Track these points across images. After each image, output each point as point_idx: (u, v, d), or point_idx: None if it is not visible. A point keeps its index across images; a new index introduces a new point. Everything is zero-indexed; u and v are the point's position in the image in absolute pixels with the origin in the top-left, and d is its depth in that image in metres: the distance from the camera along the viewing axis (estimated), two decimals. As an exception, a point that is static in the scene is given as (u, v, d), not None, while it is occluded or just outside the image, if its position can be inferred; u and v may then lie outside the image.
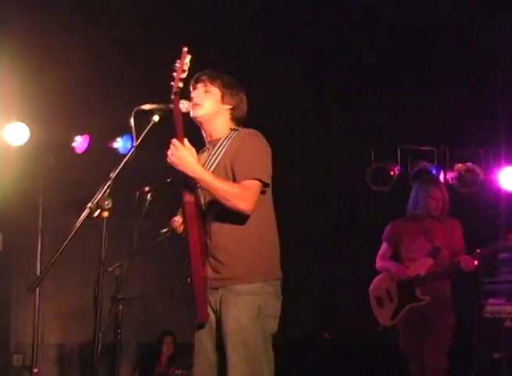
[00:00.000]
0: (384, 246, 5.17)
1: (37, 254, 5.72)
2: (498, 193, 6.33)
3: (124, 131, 5.70)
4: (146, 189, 4.54)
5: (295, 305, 6.00)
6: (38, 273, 5.71)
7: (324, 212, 6.49)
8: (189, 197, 3.07)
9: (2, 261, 5.88)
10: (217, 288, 3.07)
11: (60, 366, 6.32)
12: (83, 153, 5.78)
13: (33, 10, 5.69)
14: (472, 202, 6.13)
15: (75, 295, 5.91)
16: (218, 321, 3.06)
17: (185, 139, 3.00)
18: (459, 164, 6.38)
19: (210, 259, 3.09)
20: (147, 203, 4.51)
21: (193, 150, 3.02)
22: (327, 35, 5.99)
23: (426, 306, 4.80)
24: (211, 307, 3.08)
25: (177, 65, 2.95)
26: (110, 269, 5.06)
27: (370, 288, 5.11)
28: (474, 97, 6.08)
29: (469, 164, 6.35)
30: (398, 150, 6.43)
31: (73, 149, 5.79)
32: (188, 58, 2.95)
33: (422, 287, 4.82)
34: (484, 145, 6.35)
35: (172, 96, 2.97)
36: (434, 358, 4.69)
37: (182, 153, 2.96)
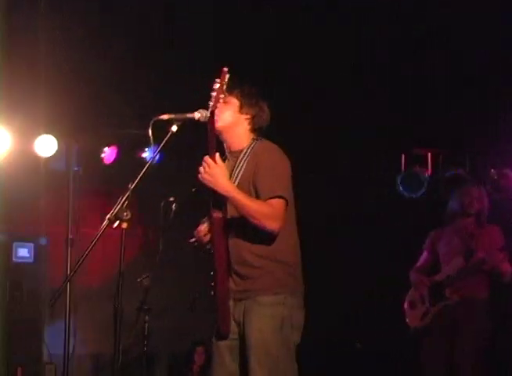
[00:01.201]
0: (423, 256, 5.15)
1: (67, 266, 5.74)
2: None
3: (155, 142, 5.70)
4: (171, 199, 4.56)
5: (323, 314, 6.05)
6: (68, 283, 5.74)
7: (341, 218, 6.42)
8: (217, 213, 3.09)
9: (34, 273, 5.92)
10: (241, 300, 3.06)
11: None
12: (111, 163, 5.80)
13: (61, 23, 5.73)
14: (506, 208, 5.99)
15: (106, 306, 5.92)
16: (241, 333, 3.05)
17: (218, 156, 3.00)
18: (493, 170, 6.26)
19: (233, 274, 3.10)
20: (172, 213, 4.53)
21: (224, 167, 3.03)
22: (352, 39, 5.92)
23: (455, 307, 4.75)
24: (234, 319, 3.08)
25: (216, 85, 2.96)
26: (139, 280, 5.08)
27: (407, 295, 5.09)
28: (505, 100, 5.95)
29: (503, 169, 6.22)
30: (429, 154, 6.33)
31: (101, 160, 5.81)
32: (227, 77, 2.97)
33: (451, 287, 4.78)
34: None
35: (209, 115, 2.98)
36: (466, 357, 4.62)
37: (214, 171, 2.97)
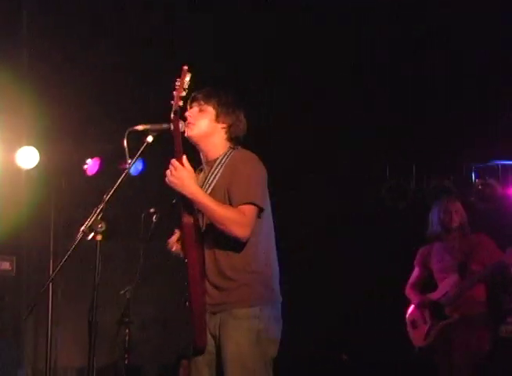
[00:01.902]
0: (415, 271, 5.17)
1: (49, 278, 5.69)
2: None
3: (135, 153, 5.67)
4: (152, 210, 4.53)
5: (310, 326, 6.01)
6: (51, 296, 5.69)
7: (341, 218, 6.40)
8: (187, 219, 3.01)
9: (15, 285, 5.86)
10: (215, 313, 3.00)
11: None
12: (94, 175, 5.76)
13: (40, 37, 5.71)
14: (490, 218, 5.99)
15: (86, 319, 5.86)
16: (217, 346, 2.99)
17: (185, 159, 2.94)
18: (477, 180, 6.26)
19: (208, 284, 3.02)
20: (153, 224, 4.50)
21: (192, 170, 2.98)
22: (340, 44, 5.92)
23: (455, 326, 4.76)
24: (210, 332, 3.01)
25: (177, 83, 2.92)
26: (122, 293, 5.05)
27: (407, 314, 5.09)
28: (490, 112, 5.96)
29: (487, 179, 6.22)
30: (414, 165, 6.33)
31: (84, 172, 5.77)
32: (188, 76, 2.92)
33: (450, 305, 4.80)
34: (502, 159, 6.22)
35: (172, 115, 2.93)
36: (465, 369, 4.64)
37: (180, 174, 2.92)
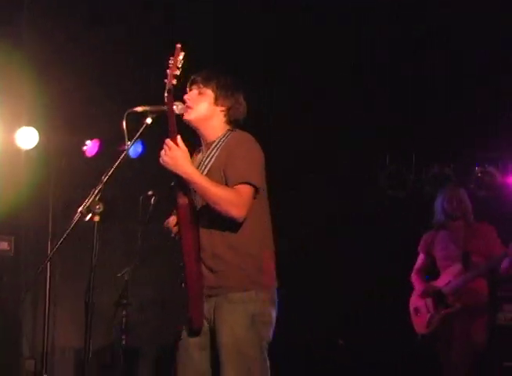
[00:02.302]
0: (420, 257, 5.20)
1: (48, 258, 5.69)
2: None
3: (133, 135, 5.66)
4: (150, 193, 4.53)
5: (308, 311, 6.02)
6: (48, 277, 5.70)
7: (341, 218, 6.40)
8: (183, 200, 2.97)
9: (13, 265, 5.87)
10: (211, 296, 2.98)
11: (73, 372, 6.29)
12: (93, 157, 5.74)
13: (42, 16, 5.68)
14: (490, 206, 5.99)
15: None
16: (212, 330, 2.98)
17: (179, 138, 2.91)
18: (477, 168, 6.25)
19: (203, 267, 3.00)
20: (151, 207, 4.50)
21: (186, 150, 2.94)
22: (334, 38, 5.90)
23: (456, 315, 4.78)
24: (205, 316, 2.99)
25: (170, 62, 2.89)
26: (119, 275, 5.06)
27: (410, 301, 5.12)
28: (492, 100, 5.95)
29: (487, 167, 6.21)
30: (414, 154, 6.32)
31: (83, 153, 5.76)
32: (182, 55, 2.89)
33: (452, 295, 4.82)
34: (502, 148, 6.20)
35: (166, 94, 2.90)
36: (457, 370, 4.69)
37: (174, 154, 2.88)
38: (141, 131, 2.99)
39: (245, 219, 2.93)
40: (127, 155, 3.03)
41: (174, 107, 2.97)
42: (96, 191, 2.85)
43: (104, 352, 5.84)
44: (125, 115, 2.96)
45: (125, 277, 5.03)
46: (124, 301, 4.65)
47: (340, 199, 6.36)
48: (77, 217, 2.83)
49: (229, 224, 2.94)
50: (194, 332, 3.00)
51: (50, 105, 5.62)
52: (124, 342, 4.72)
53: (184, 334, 3.04)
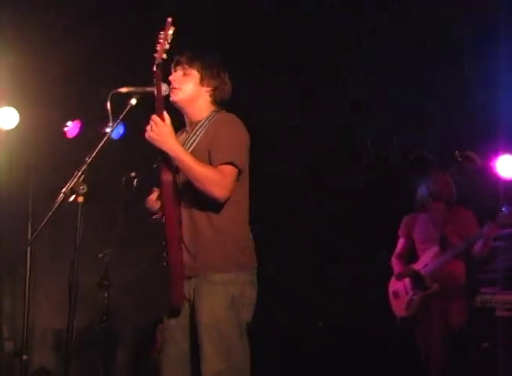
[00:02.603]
0: (400, 242, 5.24)
1: (27, 241, 5.66)
2: (496, 180, 6.23)
3: (116, 116, 5.62)
4: (132, 174, 4.51)
5: (288, 295, 6.05)
6: (28, 259, 5.68)
7: (321, 204, 6.42)
8: (167, 176, 2.97)
9: (-8, 247, 5.84)
10: (190, 278, 2.99)
11: (53, 353, 6.28)
12: (74, 138, 5.71)
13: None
14: (470, 190, 6.04)
15: (66, 281, 5.85)
16: (192, 311, 3.00)
17: (166, 115, 2.91)
18: (457, 152, 6.29)
19: (184, 247, 3.00)
20: (133, 188, 4.49)
21: (171, 127, 2.94)
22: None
23: (434, 297, 4.82)
24: (184, 296, 3.01)
25: (160, 36, 2.88)
26: (100, 256, 5.04)
27: (389, 285, 5.15)
28: (471, 86, 5.98)
29: (467, 152, 6.25)
30: (395, 139, 6.35)
31: (64, 134, 5.72)
32: (172, 29, 2.88)
33: (430, 276, 4.86)
34: (482, 133, 6.25)
35: (154, 68, 2.90)
36: (435, 351, 4.72)
37: (161, 130, 2.88)
38: (125, 112, 2.97)
39: (227, 200, 2.93)
40: (110, 137, 3.01)
41: (159, 88, 2.95)
42: (80, 172, 2.84)
43: (86, 333, 5.84)
44: (110, 96, 2.94)
45: (105, 259, 5.01)
46: (106, 283, 4.64)
47: (320, 181, 6.39)
48: (60, 198, 2.82)
49: (211, 204, 2.94)
50: (175, 311, 3.02)
51: (31, 85, 5.56)
52: (104, 324, 4.71)
53: (166, 314, 3.07)
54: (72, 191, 2.82)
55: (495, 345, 4.60)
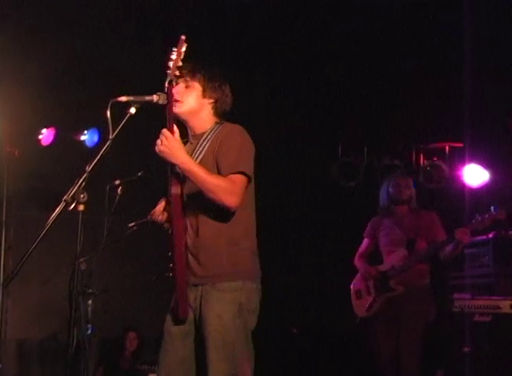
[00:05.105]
0: (364, 242, 5.29)
1: (1, 248, 5.60)
2: (463, 189, 6.38)
3: (90, 124, 5.62)
4: (117, 182, 4.51)
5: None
6: (2, 267, 5.60)
7: (292, 207, 6.50)
8: (176, 189, 3.01)
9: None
10: (196, 285, 3.02)
11: (22, 362, 6.22)
12: (48, 145, 5.67)
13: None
14: (438, 198, 6.19)
15: (38, 291, 5.81)
16: (197, 318, 3.02)
17: (176, 130, 2.96)
18: (426, 161, 6.44)
19: (190, 255, 3.03)
20: (118, 197, 4.49)
21: (180, 140, 2.98)
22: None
23: (401, 298, 4.87)
24: (190, 304, 3.03)
25: (173, 53, 2.92)
26: (77, 263, 4.99)
27: (352, 283, 5.19)
28: (439, 92, 6.13)
29: (435, 160, 6.40)
30: (365, 146, 6.47)
31: (38, 141, 5.68)
32: (185, 46, 2.92)
33: (396, 278, 4.91)
34: (450, 141, 6.41)
35: (166, 84, 2.94)
36: (407, 356, 4.74)
37: (171, 144, 2.91)
38: (125, 121, 2.98)
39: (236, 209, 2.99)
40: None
41: (157, 97, 2.99)
42: (81, 180, 2.85)
43: (55, 341, 5.80)
44: (109, 104, 2.94)
45: (82, 266, 4.98)
46: (90, 291, 4.63)
47: (292, 189, 6.46)
48: (61, 206, 2.82)
49: (218, 213, 2.99)
50: (180, 321, 3.03)
51: (5, 93, 5.50)
52: (75, 331, 4.67)
53: (168, 321, 3.07)
54: (73, 199, 2.82)
55: (476, 349, 4.69)
